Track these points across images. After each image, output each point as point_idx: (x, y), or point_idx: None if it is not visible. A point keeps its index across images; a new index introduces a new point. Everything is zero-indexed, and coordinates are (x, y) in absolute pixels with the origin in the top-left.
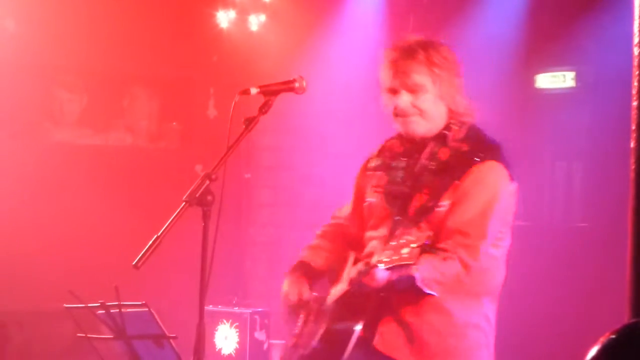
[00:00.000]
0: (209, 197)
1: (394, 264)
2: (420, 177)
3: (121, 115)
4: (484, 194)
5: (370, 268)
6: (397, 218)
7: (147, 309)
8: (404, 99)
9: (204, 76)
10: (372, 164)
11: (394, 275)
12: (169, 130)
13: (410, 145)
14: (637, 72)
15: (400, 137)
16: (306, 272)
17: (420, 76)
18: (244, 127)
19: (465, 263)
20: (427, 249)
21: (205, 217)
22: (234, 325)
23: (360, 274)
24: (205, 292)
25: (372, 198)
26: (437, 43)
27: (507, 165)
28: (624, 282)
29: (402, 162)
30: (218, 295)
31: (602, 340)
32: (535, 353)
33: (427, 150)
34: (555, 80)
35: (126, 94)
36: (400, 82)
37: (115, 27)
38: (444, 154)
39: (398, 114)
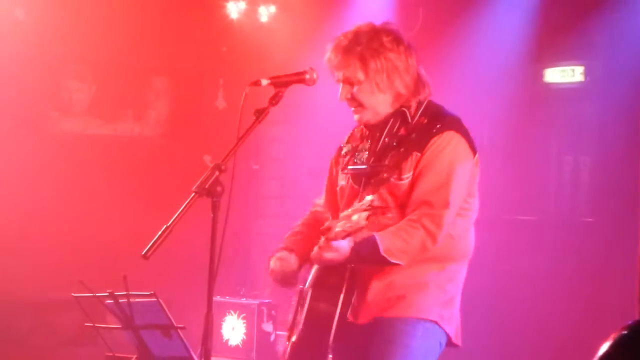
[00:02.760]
0: (219, 188)
1: (347, 232)
2: (383, 154)
3: (130, 105)
4: (443, 164)
5: (328, 241)
6: (364, 195)
7: (155, 299)
8: (344, 92)
9: (214, 67)
10: (343, 151)
11: (353, 244)
12: (178, 120)
13: (373, 126)
14: None
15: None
16: (292, 245)
17: (353, 70)
18: (254, 118)
19: (430, 231)
20: (372, 210)
21: (215, 208)
22: (241, 316)
23: (321, 249)
24: (214, 282)
25: (342, 182)
26: (377, 32)
27: (467, 136)
28: (631, 276)
29: (366, 144)
30: (226, 286)
31: (614, 336)
32: (543, 348)
33: (388, 127)
34: (564, 74)
35: (135, 84)
36: (338, 75)
37: (125, 18)
38: (404, 129)
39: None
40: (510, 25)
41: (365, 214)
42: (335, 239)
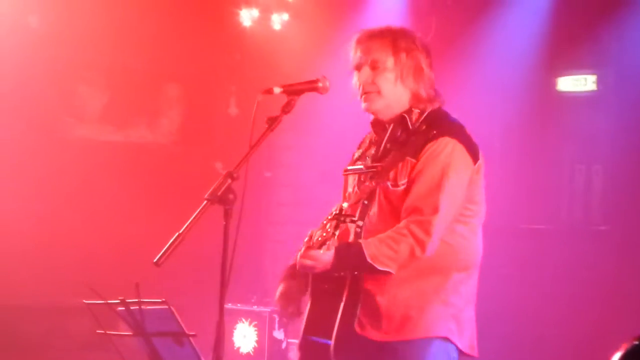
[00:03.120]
0: (231, 196)
1: (320, 241)
2: (383, 159)
3: (142, 112)
4: (436, 170)
5: (308, 251)
6: (365, 202)
7: (167, 307)
8: (365, 73)
9: (226, 74)
10: (355, 156)
11: (335, 252)
12: (190, 127)
13: (379, 132)
14: None
15: (372, 126)
16: (296, 274)
17: (383, 54)
18: (266, 126)
19: (418, 238)
20: (339, 218)
21: (227, 215)
22: (253, 323)
23: (302, 258)
24: (226, 290)
25: (349, 189)
26: (409, 32)
27: (467, 142)
28: None
29: (372, 150)
30: (237, 294)
31: (626, 346)
32: (556, 356)
33: (390, 133)
34: (576, 83)
35: (148, 91)
36: (364, 58)
37: (139, 25)
38: (404, 135)
39: (360, 91)
40: (523, 35)
41: (334, 222)
42: (312, 247)
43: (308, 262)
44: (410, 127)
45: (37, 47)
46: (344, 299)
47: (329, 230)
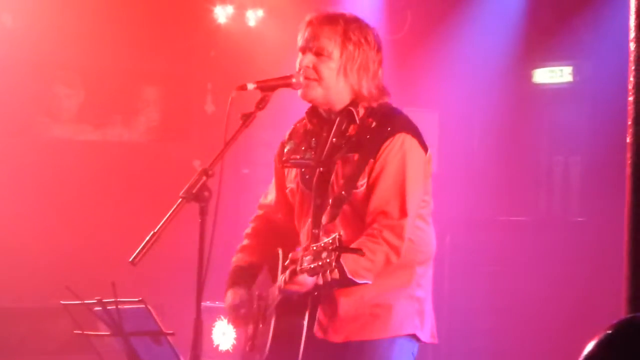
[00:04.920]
0: (206, 193)
1: (315, 271)
2: (332, 156)
3: (118, 110)
4: (397, 170)
5: (294, 276)
6: (317, 202)
7: (144, 306)
8: (307, 59)
9: (202, 71)
10: (286, 148)
11: (321, 279)
12: (167, 125)
13: (318, 123)
14: (632, 67)
15: (308, 115)
16: (243, 276)
17: (330, 42)
18: (241, 122)
19: (393, 245)
20: (342, 250)
21: (202, 213)
22: (236, 326)
23: (286, 284)
24: (202, 288)
25: (291, 184)
26: (364, 25)
27: (417, 135)
28: (621, 276)
29: (312, 142)
30: (216, 291)
31: (599, 335)
32: (533, 347)
33: (335, 127)
34: (552, 75)
35: (123, 89)
36: (311, 44)
37: (113, 23)
38: (352, 129)
39: (301, 74)
40: (498, 27)
41: (334, 254)
42: (301, 272)
43: (295, 288)
44: (358, 121)
45: (12, 47)
46: (308, 305)
47: (325, 259)
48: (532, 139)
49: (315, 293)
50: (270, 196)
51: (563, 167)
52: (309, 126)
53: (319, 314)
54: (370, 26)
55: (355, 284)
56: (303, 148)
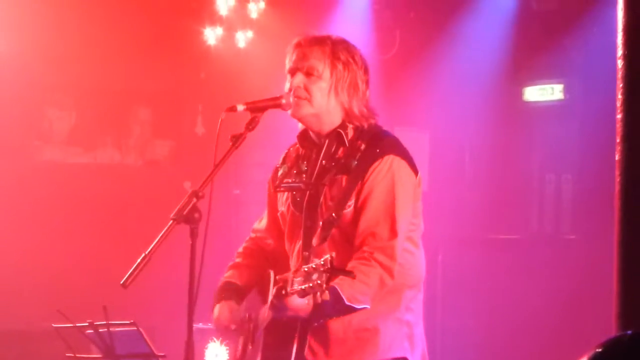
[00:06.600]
0: (196, 215)
1: (306, 292)
2: (321, 178)
3: (109, 132)
4: (386, 191)
5: (283, 298)
6: (308, 224)
7: (135, 328)
8: (298, 79)
9: (192, 93)
10: (279, 172)
11: (313, 303)
12: (158, 147)
13: (308, 146)
14: (620, 85)
15: (299, 139)
16: (234, 292)
17: (319, 63)
18: (231, 144)
19: (386, 266)
20: (333, 272)
21: (193, 234)
22: (224, 342)
23: (278, 308)
24: (193, 309)
25: (282, 207)
26: (351, 46)
27: (407, 157)
28: (611, 294)
29: (303, 166)
30: (207, 313)
31: (589, 353)
32: None
33: (325, 150)
34: (543, 92)
35: (114, 111)
36: (301, 64)
37: (104, 45)
38: (341, 152)
39: (291, 95)
40: (488, 45)
41: (325, 276)
42: (292, 294)
43: (288, 313)
44: (347, 143)
45: (2, 70)
46: (298, 328)
47: (316, 280)
48: (523, 157)
49: (315, 324)
50: (263, 222)
51: (554, 185)
52: (300, 150)
53: (309, 337)
54: (356, 47)
55: (354, 310)
56: (295, 172)
